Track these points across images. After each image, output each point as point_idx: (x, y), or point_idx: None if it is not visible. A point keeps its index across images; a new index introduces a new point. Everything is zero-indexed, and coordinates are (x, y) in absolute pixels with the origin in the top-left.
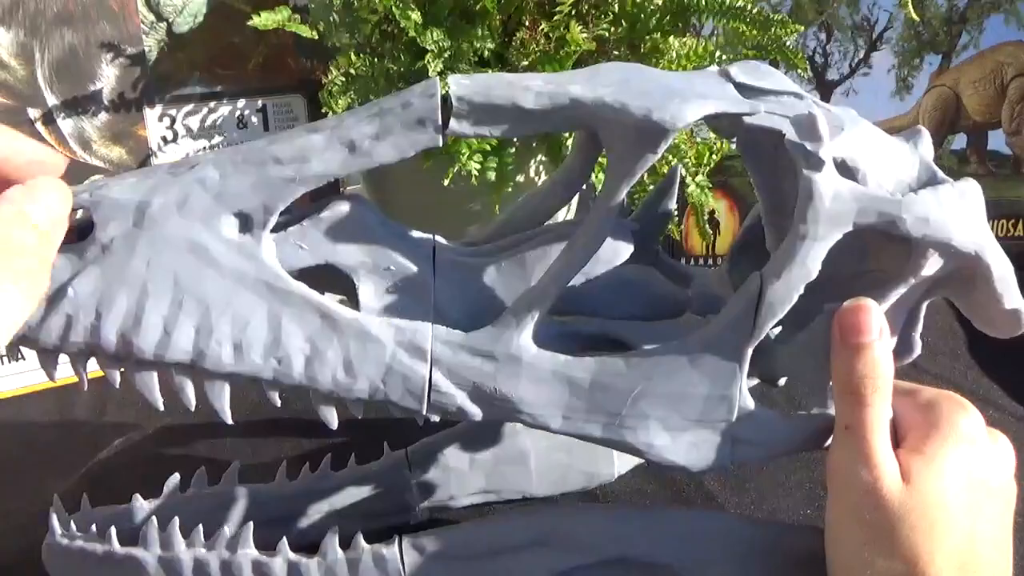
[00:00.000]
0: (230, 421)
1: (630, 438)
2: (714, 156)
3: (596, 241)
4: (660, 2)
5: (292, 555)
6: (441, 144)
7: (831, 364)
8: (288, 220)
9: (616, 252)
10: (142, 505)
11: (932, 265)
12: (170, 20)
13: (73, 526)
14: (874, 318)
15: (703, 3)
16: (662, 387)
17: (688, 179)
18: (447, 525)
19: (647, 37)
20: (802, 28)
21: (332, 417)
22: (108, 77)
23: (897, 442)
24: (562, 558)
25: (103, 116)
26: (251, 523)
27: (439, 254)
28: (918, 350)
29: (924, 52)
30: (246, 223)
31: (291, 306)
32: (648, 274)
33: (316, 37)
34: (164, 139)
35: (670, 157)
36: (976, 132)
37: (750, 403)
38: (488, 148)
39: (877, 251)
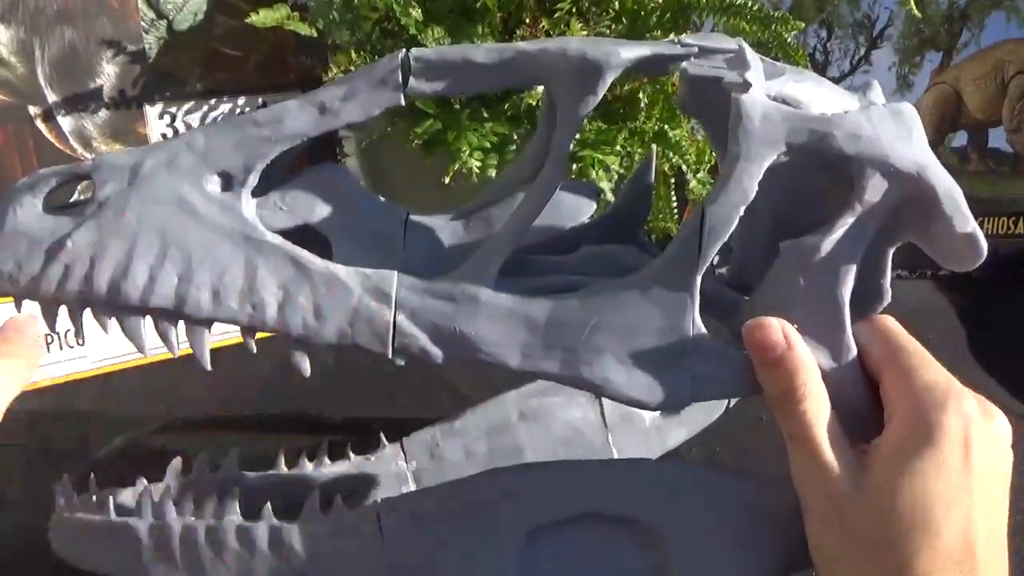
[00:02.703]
0: (208, 367)
1: (587, 373)
2: (714, 153)
3: (551, 187)
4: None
5: (275, 520)
6: (403, 103)
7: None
8: (271, 186)
9: (579, 209)
10: (145, 486)
11: (875, 189)
12: (170, 18)
13: (76, 502)
14: (774, 330)
15: (703, 0)
16: (615, 321)
17: (689, 176)
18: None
19: (647, 35)
20: (803, 25)
21: (305, 364)
22: (108, 74)
23: (880, 425)
24: (530, 515)
25: (103, 113)
26: (237, 489)
27: (411, 220)
28: (888, 298)
29: (925, 50)
30: (228, 181)
31: (266, 255)
32: (625, 250)
33: (315, 35)
34: (164, 136)
35: (671, 154)
36: (977, 130)
37: (707, 338)
38: (488, 145)
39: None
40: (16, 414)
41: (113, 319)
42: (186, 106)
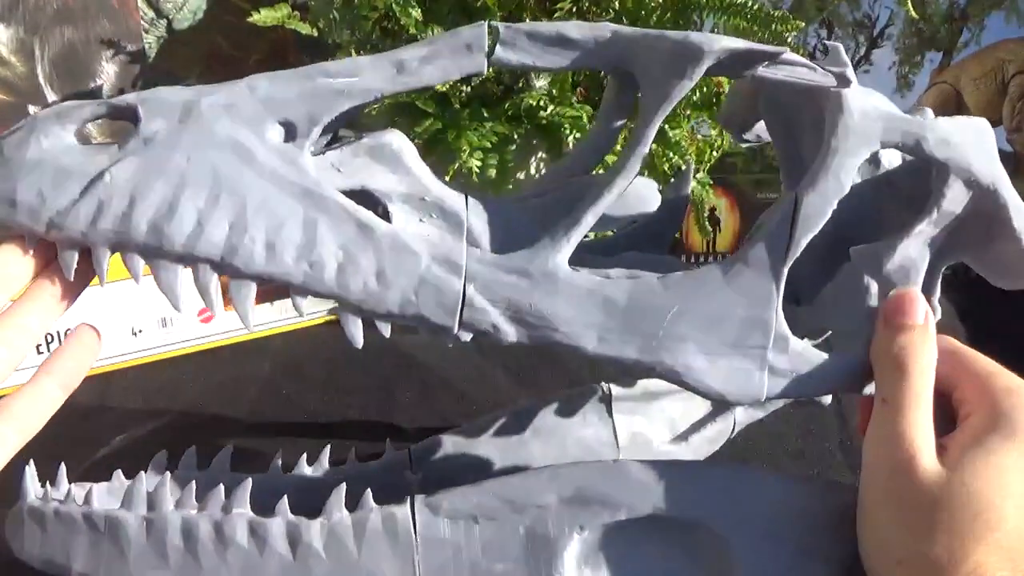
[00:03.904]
0: (251, 328)
1: (668, 360)
2: (715, 153)
3: (631, 171)
4: None
5: (292, 516)
6: (485, 71)
7: (873, 342)
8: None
9: (645, 201)
10: (137, 476)
11: (954, 198)
12: (170, 17)
13: (50, 492)
14: (919, 306)
15: (703, 0)
16: (699, 307)
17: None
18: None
19: None
20: (803, 25)
21: (358, 332)
22: (108, 74)
23: (954, 423)
24: (590, 515)
25: None
26: (249, 480)
27: (471, 199)
28: (938, 314)
29: (925, 49)
30: (290, 132)
31: (328, 213)
32: (672, 259)
33: (316, 34)
34: None
35: (671, 154)
36: None
37: (787, 332)
38: (489, 145)
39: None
40: None
41: (145, 265)
42: None
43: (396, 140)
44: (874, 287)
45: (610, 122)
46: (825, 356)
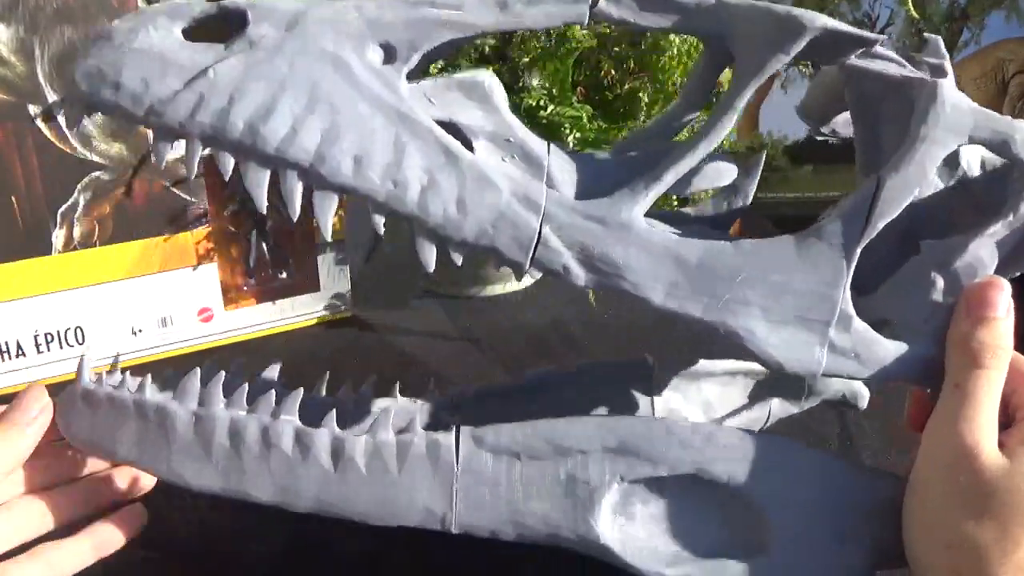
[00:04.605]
0: (330, 237)
1: (731, 322)
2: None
3: (717, 135)
4: None
5: (338, 430)
6: (586, 20)
7: (951, 329)
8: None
9: (720, 173)
10: (191, 372)
11: None
12: None
13: (105, 378)
14: (1004, 297)
15: None
16: (768, 276)
17: None
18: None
19: (647, 34)
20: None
21: (431, 257)
22: None
23: (1008, 421)
24: (630, 467)
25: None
26: (300, 391)
27: (553, 147)
28: None
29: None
30: (390, 55)
31: (417, 137)
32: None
33: None
34: None
35: None
36: None
37: (852, 311)
38: None
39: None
40: None
41: (234, 163)
42: None
43: (489, 80)
44: (940, 283)
45: (697, 91)
46: (888, 342)
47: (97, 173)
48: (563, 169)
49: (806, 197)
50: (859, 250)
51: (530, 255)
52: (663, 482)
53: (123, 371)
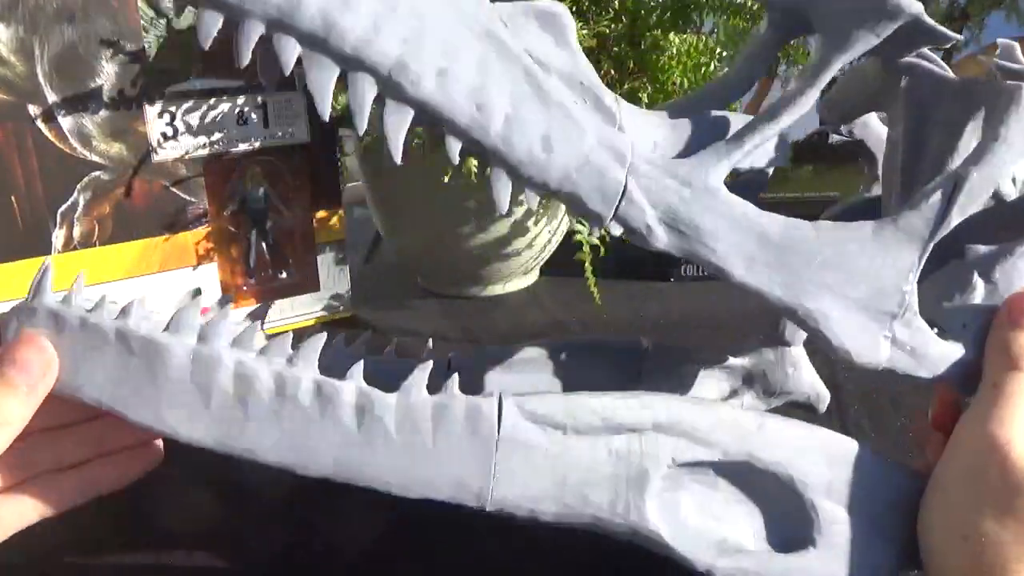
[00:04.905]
0: (400, 160)
1: (809, 304)
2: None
3: (800, 108)
4: None
5: (365, 385)
6: None
7: (991, 333)
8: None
9: (773, 154)
10: (189, 301)
11: None
12: (170, 16)
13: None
14: None
15: (703, 0)
16: (845, 261)
17: None
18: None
19: (647, 34)
20: None
21: (506, 198)
22: (108, 74)
23: None
24: (685, 448)
25: (103, 113)
26: (322, 336)
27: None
28: None
29: None
30: None
31: (506, 60)
32: None
33: None
34: (164, 135)
35: None
36: None
37: (916, 306)
38: None
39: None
40: None
41: (298, 56)
42: (186, 105)
43: (566, 14)
44: (981, 288)
45: (757, 60)
46: (941, 342)
47: (97, 173)
48: (634, 124)
49: (806, 197)
50: (931, 245)
51: (614, 208)
52: (711, 467)
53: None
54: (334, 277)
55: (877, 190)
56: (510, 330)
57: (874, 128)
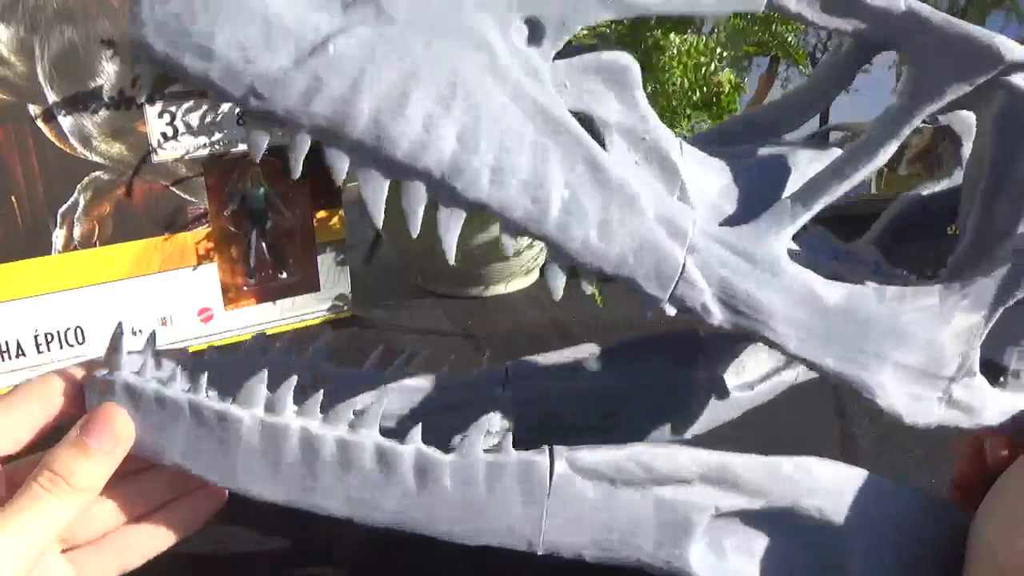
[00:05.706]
0: (454, 261)
1: (864, 376)
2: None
3: (881, 158)
4: None
5: (424, 447)
6: (761, 10)
7: None
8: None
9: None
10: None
11: None
12: None
13: (149, 366)
14: None
15: None
16: (907, 327)
17: None
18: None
19: (648, 34)
20: (804, 25)
21: (560, 285)
22: (108, 73)
23: None
24: (729, 498)
25: (103, 112)
26: (384, 398)
27: (683, 143)
28: None
29: None
30: (535, 33)
31: (561, 143)
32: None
33: None
34: (164, 135)
35: None
36: None
37: (977, 367)
38: None
39: None
40: None
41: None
42: (186, 105)
43: (632, 66)
44: None
45: (829, 83)
46: (999, 394)
47: (97, 173)
48: (694, 173)
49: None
50: (1002, 310)
51: (670, 291)
52: (753, 514)
53: (158, 356)
54: (334, 277)
55: (958, 176)
56: (510, 330)
57: (961, 112)
